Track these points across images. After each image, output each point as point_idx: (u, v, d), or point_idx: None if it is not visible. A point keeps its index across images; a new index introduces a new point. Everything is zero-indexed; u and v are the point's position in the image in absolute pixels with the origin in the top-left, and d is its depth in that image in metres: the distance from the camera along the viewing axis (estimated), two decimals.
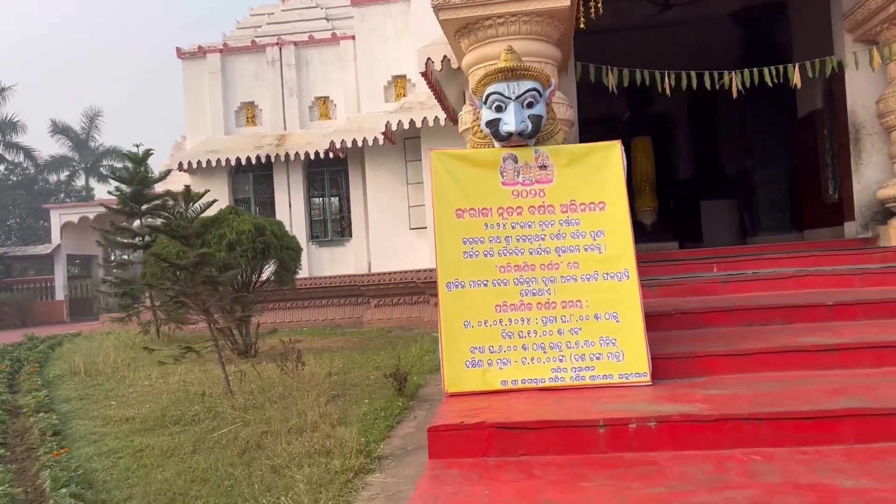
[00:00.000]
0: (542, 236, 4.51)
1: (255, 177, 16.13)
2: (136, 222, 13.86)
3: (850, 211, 8.65)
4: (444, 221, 4.52)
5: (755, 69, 7.47)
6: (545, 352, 4.33)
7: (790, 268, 6.67)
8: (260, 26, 17.14)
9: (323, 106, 16.09)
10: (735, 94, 7.57)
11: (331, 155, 15.11)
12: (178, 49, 16.31)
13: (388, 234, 14.33)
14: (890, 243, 7.81)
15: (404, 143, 14.05)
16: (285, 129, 15.98)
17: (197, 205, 6.83)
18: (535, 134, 4.57)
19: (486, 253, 4.49)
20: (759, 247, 9.22)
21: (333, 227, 16.17)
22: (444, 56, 8.74)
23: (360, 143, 13.99)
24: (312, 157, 15.29)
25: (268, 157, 15.41)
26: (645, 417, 3.52)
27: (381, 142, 13.83)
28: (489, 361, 4.32)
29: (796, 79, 7.48)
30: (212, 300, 7.09)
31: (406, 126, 12.59)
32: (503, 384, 4.27)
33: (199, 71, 16.20)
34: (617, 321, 4.34)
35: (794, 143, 11.55)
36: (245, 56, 16.21)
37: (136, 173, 13.40)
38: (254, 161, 15.42)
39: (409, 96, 13.26)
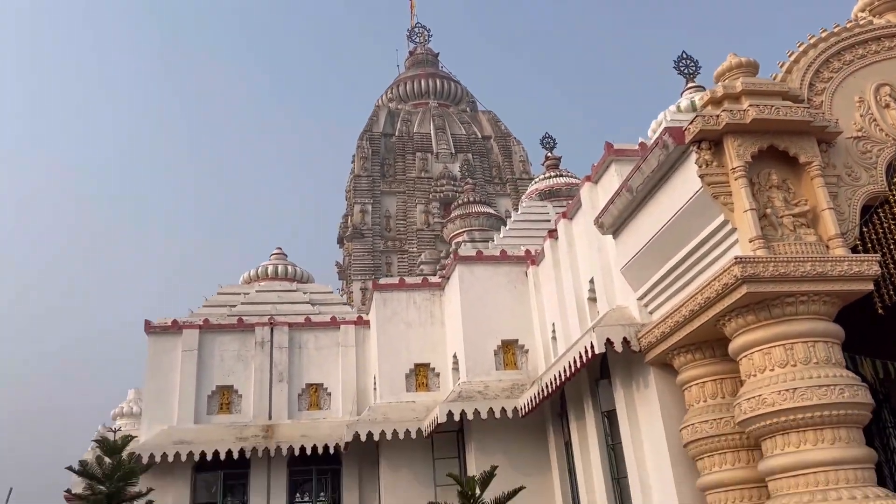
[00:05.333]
0: None
1: (225, 475, 13.46)
2: None
3: None
4: None
5: None
6: None
7: None
8: (235, 305, 15.67)
9: (314, 394, 14.38)
10: None
11: (331, 450, 13.18)
12: (147, 322, 14.29)
13: None
14: None
15: (432, 438, 12.58)
16: (270, 418, 13.89)
17: None
18: None
19: None
20: None
21: None
22: (624, 337, 8.28)
23: (388, 436, 12.30)
24: (309, 451, 13.20)
25: (253, 450, 13.05)
26: None
27: (412, 434, 12.28)
28: None
29: None
30: None
31: (470, 416, 11.35)
32: None
33: (170, 347, 14.11)
34: None
35: None
36: (227, 335, 14.48)
37: (117, 466, 10.56)
38: (236, 455, 12.97)
39: (461, 384, 12.15)
